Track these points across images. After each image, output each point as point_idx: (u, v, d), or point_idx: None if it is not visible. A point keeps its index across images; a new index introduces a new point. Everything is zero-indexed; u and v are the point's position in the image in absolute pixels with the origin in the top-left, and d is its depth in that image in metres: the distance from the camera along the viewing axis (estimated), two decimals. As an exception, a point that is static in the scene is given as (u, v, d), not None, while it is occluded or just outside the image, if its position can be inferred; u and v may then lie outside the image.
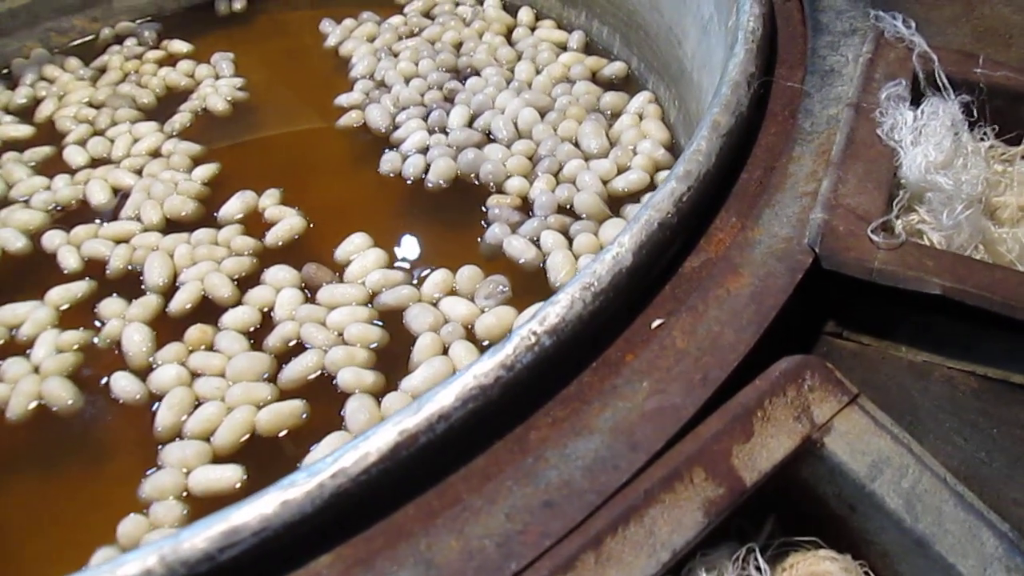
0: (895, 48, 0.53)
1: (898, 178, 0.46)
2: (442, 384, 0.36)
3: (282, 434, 0.61)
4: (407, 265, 0.73)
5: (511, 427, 0.37)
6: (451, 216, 0.77)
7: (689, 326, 0.39)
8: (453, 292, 0.69)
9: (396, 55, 0.97)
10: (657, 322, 0.40)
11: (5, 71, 1.05)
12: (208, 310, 0.71)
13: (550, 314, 0.38)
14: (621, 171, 0.77)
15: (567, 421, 0.37)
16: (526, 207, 0.76)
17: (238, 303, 0.71)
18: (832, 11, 0.58)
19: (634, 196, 0.76)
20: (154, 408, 0.63)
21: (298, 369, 0.64)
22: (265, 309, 0.70)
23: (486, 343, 0.65)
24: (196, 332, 0.68)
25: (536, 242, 0.72)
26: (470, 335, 0.65)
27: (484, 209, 0.76)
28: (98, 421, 0.64)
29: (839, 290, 0.42)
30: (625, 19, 0.89)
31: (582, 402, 0.37)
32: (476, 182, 0.80)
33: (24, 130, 0.95)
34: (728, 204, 0.46)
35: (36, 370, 0.67)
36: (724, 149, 0.46)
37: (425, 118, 0.87)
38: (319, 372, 0.64)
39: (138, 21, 1.12)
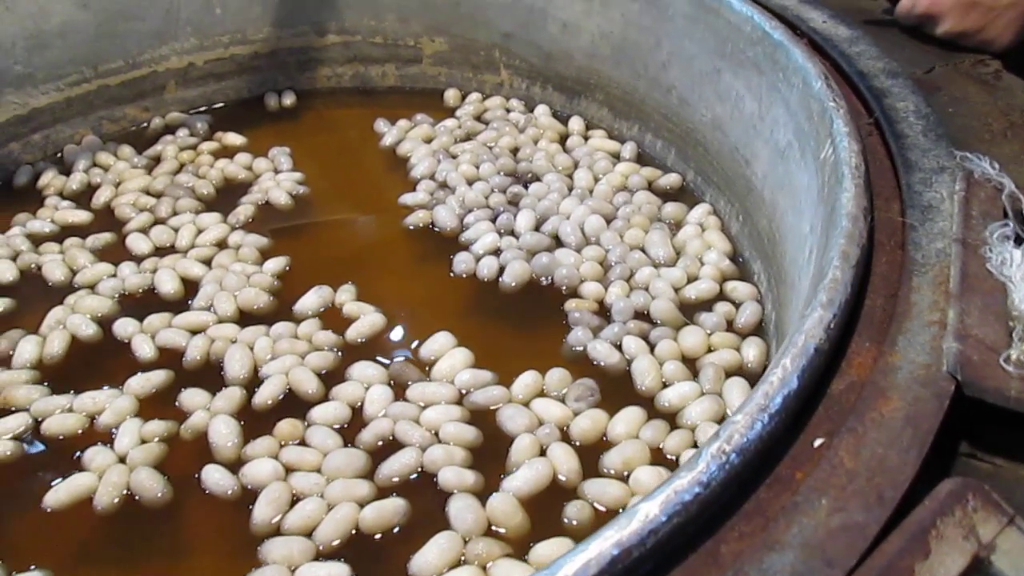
0: (984, 187, 0.58)
1: (1010, 310, 0.50)
2: (644, 500, 0.38)
3: (379, 534, 0.62)
4: (493, 365, 0.74)
5: (702, 541, 0.39)
6: (528, 318, 0.80)
7: (853, 447, 0.43)
8: (542, 394, 0.71)
9: (455, 157, 1.01)
10: (819, 441, 0.43)
11: (56, 156, 1.07)
12: (293, 405, 0.72)
13: (734, 433, 0.41)
14: (691, 280, 0.81)
15: (755, 536, 0.39)
16: (602, 311, 0.80)
17: (324, 398, 0.72)
18: (918, 149, 0.63)
19: (705, 304, 0.80)
20: (249, 504, 0.63)
21: (396, 467, 0.65)
22: (355, 405, 0.71)
23: (577, 443, 0.67)
24: (287, 426, 0.69)
25: (618, 346, 0.75)
26: (565, 437, 0.67)
27: (563, 310, 0.79)
28: (186, 514, 0.64)
29: (972, 414, 0.46)
30: (682, 135, 0.95)
31: (765, 518, 0.40)
32: (548, 284, 0.83)
33: (82, 216, 0.96)
34: (859, 329, 0.50)
35: (122, 460, 0.67)
36: (855, 278, 0.50)
37: (493, 220, 0.90)
38: (419, 470, 0.66)
39: (189, 112, 1.15)
